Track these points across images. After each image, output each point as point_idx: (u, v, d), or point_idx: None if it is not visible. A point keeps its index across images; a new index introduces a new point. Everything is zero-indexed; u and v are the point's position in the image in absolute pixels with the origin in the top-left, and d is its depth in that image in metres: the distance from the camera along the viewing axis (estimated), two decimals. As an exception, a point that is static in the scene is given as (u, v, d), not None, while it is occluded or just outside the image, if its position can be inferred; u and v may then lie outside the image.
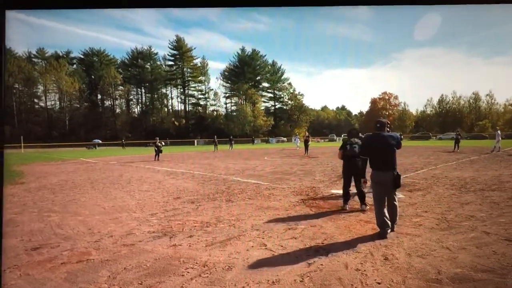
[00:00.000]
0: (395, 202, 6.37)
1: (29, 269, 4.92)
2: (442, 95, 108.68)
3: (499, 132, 28.48)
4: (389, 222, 6.15)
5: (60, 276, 4.63)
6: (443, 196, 9.43)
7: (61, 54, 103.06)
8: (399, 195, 9.42)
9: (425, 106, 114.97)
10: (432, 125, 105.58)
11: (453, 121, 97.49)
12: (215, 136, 47.93)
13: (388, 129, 6.53)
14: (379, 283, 4.12)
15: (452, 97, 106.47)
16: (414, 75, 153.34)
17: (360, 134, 9.91)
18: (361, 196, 8.14)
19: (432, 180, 12.41)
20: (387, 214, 6.21)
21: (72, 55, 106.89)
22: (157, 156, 27.61)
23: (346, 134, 9.66)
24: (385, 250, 5.24)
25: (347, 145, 8.40)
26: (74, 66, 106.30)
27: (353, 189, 8.43)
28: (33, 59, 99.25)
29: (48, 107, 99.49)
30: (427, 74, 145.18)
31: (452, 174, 13.92)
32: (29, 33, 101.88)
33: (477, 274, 4.28)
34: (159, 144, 27.97)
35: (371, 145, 6.47)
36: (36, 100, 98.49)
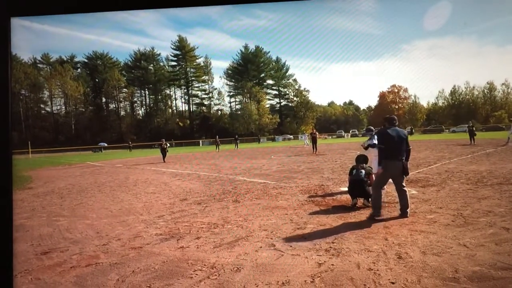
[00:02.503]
0: (404, 188, 7.10)
1: (39, 273, 4.94)
2: (455, 86, 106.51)
3: None
4: (381, 205, 7.15)
5: (70, 280, 4.64)
6: (458, 191, 9.23)
7: (65, 59, 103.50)
8: (412, 191, 9.45)
9: (437, 98, 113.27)
10: (445, 117, 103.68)
11: (467, 113, 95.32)
12: (217, 137, 48.52)
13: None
14: (393, 283, 4.03)
15: (465, 87, 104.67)
16: (424, 66, 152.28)
17: (372, 127, 10.20)
18: (368, 196, 8.05)
19: (446, 175, 12.16)
20: (383, 198, 7.42)
21: (76, 59, 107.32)
22: (163, 157, 27.65)
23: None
24: (398, 248, 5.14)
25: (354, 170, 8.52)
26: (78, 70, 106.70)
27: None
28: (39, 65, 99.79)
29: (54, 112, 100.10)
30: (438, 65, 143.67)
31: (467, 168, 13.62)
32: (34, 39, 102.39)
33: (497, 272, 4.16)
34: (164, 146, 28.05)
35: (389, 137, 7.14)
36: (42, 106, 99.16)
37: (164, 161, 26.96)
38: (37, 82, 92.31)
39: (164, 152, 27.86)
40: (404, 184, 7.14)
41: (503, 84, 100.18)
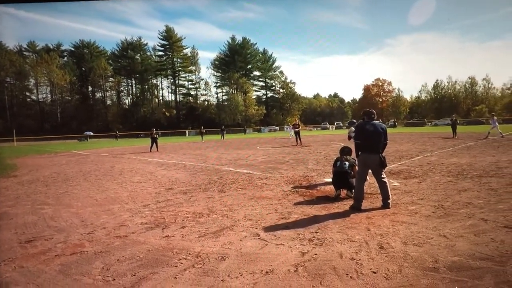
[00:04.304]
0: (383, 179, 7.22)
1: (23, 261, 4.91)
2: (437, 80, 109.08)
3: (495, 118, 28.92)
4: (363, 198, 7.24)
5: (54, 268, 4.62)
6: (439, 183, 9.35)
7: (51, 47, 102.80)
8: (394, 182, 9.62)
9: (420, 91, 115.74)
10: (427, 111, 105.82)
11: (449, 107, 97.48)
12: (202, 127, 49.43)
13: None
14: (374, 272, 4.09)
15: (447, 82, 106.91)
16: (407, 60, 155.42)
17: (354, 120, 10.36)
18: (352, 187, 8.11)
19: (428, 167, 12.32)
20: (366, 190, 7.67)
21: (62, 47, 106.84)
22: (156, 147, 27.62)
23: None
24: (380, 239, 5.20)
25: (338, 161, 8.55)
26: (65, 58, 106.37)
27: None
28: (24, 53, 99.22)
29: (40, 100, 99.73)
30: (421, 59, 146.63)
31: (448, 161, 13.82)
32: (20, 26, 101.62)
33: (475, 262, 4.23)
34: (155, 136, 27.96)
35: (365, 131, 7.24)
36: (27, 94, 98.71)
37: (151, 151, 26.89)
38: (22, 70, 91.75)
39: (154, 141, 27.82)
40: (383, 175, 7.24)
41: (484, 79, 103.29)
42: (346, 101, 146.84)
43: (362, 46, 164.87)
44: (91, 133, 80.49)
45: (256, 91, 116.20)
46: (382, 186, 7.17)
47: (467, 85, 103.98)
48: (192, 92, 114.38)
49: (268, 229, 5.96)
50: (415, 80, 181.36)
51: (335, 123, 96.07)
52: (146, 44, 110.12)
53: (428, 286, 3.75)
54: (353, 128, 10.22)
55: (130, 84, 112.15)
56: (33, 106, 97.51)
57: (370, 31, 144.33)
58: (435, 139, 27.77)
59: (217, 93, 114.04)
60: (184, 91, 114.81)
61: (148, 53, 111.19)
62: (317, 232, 5.63)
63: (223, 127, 54.56)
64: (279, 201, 8.04)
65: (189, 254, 4.92)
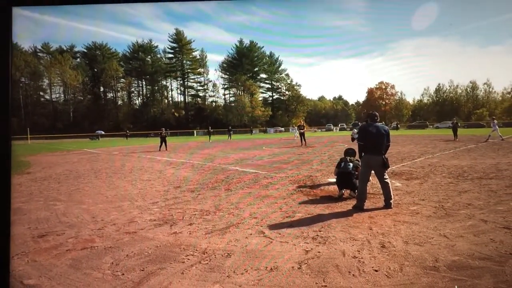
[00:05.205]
0: (386, 180, 7.34)
1: (36, 255, 5.01)
2: (439, 84, 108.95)
3: (495, 121, 28.81)
4: (366, 198, 7.32)
5: (65, 263, 4.71)
6: (440, 185, 9.38)
7: (65, 49, 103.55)
8: (396, 183, 9.66)
9: (422, 95, 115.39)
10: (429, 114, 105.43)
11: (451, 110, 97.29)
12: (210, 127, 50.50)
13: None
14: (376, 271, 4.14)
15: (449, 86, 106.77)
16: (410, 64, 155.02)
17: (358, 122, 10.47)
18: (355, 187, 8.18)
19: (429, 169, 12.34)
20: (368, 190, 7.83)
21: (75, 49, 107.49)
22: (165, 146, 27.66)
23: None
24: (382, 238, 5.26)
25: (342, 162, 8.61)
26: (78, 59, 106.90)
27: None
28: (39, 54, 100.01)
29: (53, 99, 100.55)
30: (424, 63, 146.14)
31: (449, 163, 13.82)
32: (35, 28, 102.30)
33: (474, 262, 4.27)
34: (164, 134, 28.14)
35: (368, 133, 7.35)
36: (41, 93, 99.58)
37: (160, 150, 26.93)
38: (37, 70, 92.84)
39: (163, 140, 27.90)
40: (386, 176, 7.37)
41: (485, 83, 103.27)
42: (350, 104, 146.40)
43: (366, 50, 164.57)
44: (103, 132, 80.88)
45: (262, 93, 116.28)
46: (385, 186, 7.26)
47: (468, 89, 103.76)
48: (201, 94, 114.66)
49: (273, 227, 6.03)
50: (417, 84, 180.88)
51: (339, 125, 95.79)
52: (156, 47, 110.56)
53: (428, 284, 3.80)
54: (355, 130, 10.33)
55: (141, 85, 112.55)
56: (47, 106, 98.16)
57: (374, 35, 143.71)
58: (437, 142, 27.53)
59: (224, 94, 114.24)
60: (193, 92, 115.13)
61: (159, 55, 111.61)
62: (320, 231, 5.70)
63: (230, 127, 54.60)
64: (284, 200, 8.12)
65: (196, 250, 5.00)
